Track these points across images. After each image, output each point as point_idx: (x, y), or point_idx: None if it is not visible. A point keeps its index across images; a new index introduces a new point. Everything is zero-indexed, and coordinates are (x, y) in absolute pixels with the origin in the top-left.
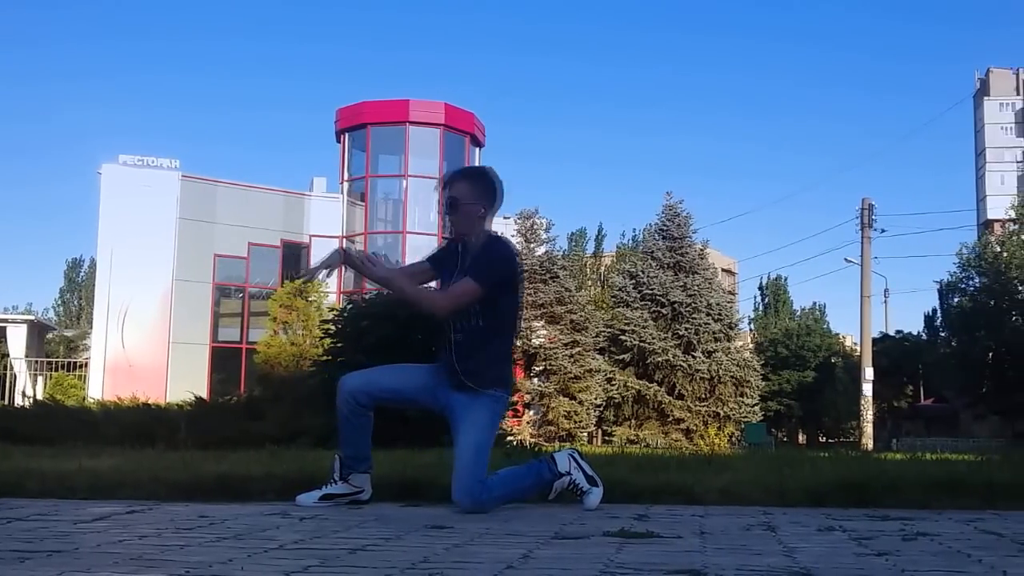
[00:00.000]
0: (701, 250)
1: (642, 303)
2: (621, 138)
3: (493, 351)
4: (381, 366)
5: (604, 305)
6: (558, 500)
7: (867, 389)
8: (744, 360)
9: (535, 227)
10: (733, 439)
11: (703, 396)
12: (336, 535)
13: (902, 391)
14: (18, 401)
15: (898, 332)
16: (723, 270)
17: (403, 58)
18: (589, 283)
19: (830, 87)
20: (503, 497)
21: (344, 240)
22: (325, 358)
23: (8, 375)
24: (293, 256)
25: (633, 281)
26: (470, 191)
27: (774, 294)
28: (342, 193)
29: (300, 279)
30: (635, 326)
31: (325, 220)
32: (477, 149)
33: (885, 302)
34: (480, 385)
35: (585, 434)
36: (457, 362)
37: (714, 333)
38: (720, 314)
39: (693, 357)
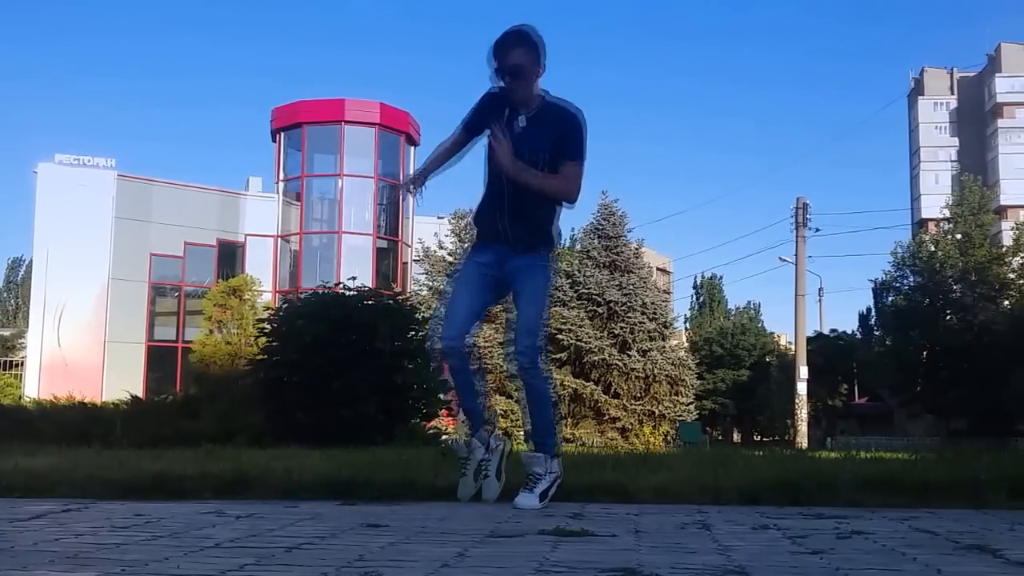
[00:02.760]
0: (636, 249)
1: (578, 302)
2: None
3: (548, 212)
4: (450, 300)
5: None
6: (477, 496)
7: (802, 388)
8: (679, 359)
9: (469, 227)
10: (668, 438)
11: (638, 395)
12: (272, 533)
13: (837, 390)
14: None
15: (833, 331)
16: (658, 269)
17: (338, 58)
18: None
19: (764, 86)
20: (545, 387)
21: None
22: (260, 357)
23: None
24: (228, 255)
25: (569, 280)
26: (527, 55)
27: (709, 293)
28: (278, 192)
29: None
30: (571, 325)
31: (260, 219)
32: (412, 148)
33: (820, 301)
34: (541, 245)
35: (522, 433)
36: (516, 227)
37: (649, 332)
38: (655, 313)
39: (628, 356)
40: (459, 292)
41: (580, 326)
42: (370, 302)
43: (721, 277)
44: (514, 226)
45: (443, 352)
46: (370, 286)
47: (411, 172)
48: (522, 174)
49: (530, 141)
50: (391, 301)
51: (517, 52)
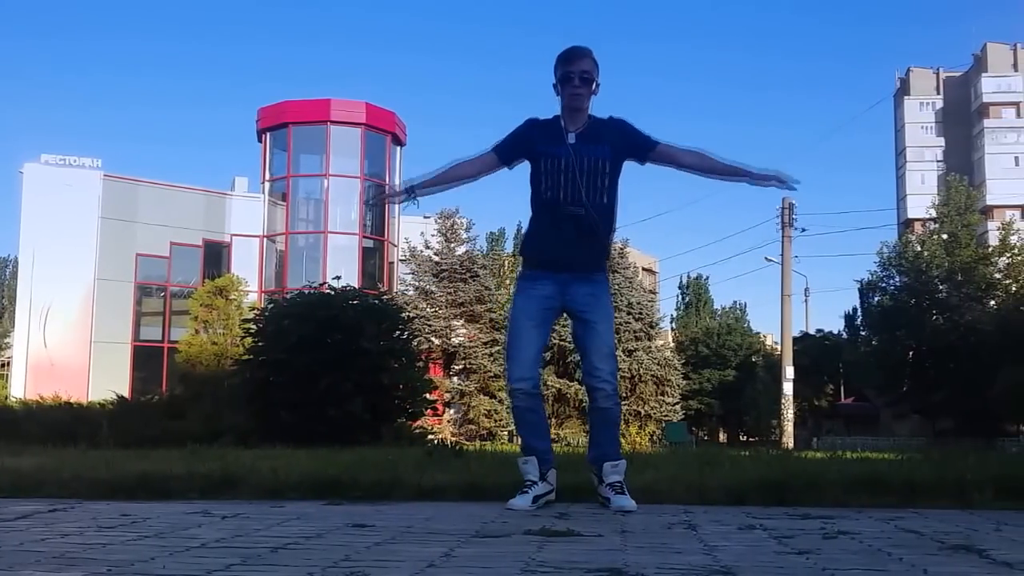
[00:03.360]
0: (621, 249)
1: None
2: None
3: (610, 228)
4: (515, 337)
5: None
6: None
7: (788, 388)
8: (665, 359)
9: (455, 227)
10: (654, 438)
11: (624, 395)
12: (258, 533)
13: (823, 390)
14: None
15: (819, 331)
16: (643, 269)
17: (325, 57)
18: (509, 282)
19: (750, 86)
20: (620, 408)
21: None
22: (246, 357)
23: None
24: (214, 255)
25: None
26: (594, 67)
27: (695, 293)
28: (263, 193)
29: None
30: (555, 325)
31: (246, 220)
32: (398, 148)
33: (806, 301)
34: (603, 265)
35: (506, 433)
36: (587, 252)
37: (635, 332)
38: (641, 313)
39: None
40: (524, 330)
41: (564, 326)
42: (355, 302)
43: (707, 277)
44: (585, 252)
45: (514, 394)
46: (355, 286)
47: (408, 178)
48: (751, 168)
49: (589, 152)
50: (376, 301)
51: (588, 61)
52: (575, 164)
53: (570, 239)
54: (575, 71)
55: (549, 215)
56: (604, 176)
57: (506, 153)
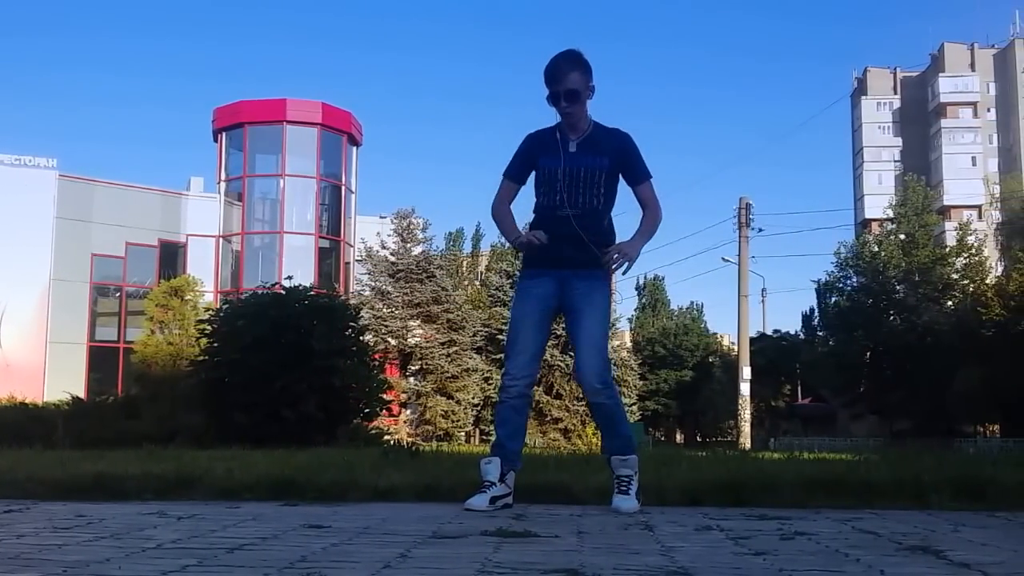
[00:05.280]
0: None
1: None
2: (498, 137)
3: (606, 229)
4: (514, 336)
5: (481, 304)
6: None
7: (744, 388)
8: (622, 359)
9: (411, 226)
10: None
11: (581, 395)
12: (214, 534)
13: (780, 390)
14: None
15: (776, 332)
16: None
17: (281, 56)
18: (466, 283)
19: (705, 86)
20: (617, 401)
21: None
22: (202, 358)
23: None
24: (170, 256)
25: (510, 281)
26: (581, 78)
27: (652, 293)
28: (219, 193)
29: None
30: None
31: (202, 220)
32: (354, 148)
33: (763, 301)
34: (597, 264)
35: (463, 434)
36: (582, 251)
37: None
38: None
39: (571, 356)
40: (523, 330)
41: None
42: (305, 302)
43: (664, 278)
44: (582, 250)
45: (505, 390)
46: (306, 285)
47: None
48: (641, 245)
49: (586, 162)
50: (325, 299)
51: (573, 77)
52: (571, 173)
53: (566, 239)
54: (560, 91)
55: (546, 219)
56: (599, 185)
57: (516, 175)
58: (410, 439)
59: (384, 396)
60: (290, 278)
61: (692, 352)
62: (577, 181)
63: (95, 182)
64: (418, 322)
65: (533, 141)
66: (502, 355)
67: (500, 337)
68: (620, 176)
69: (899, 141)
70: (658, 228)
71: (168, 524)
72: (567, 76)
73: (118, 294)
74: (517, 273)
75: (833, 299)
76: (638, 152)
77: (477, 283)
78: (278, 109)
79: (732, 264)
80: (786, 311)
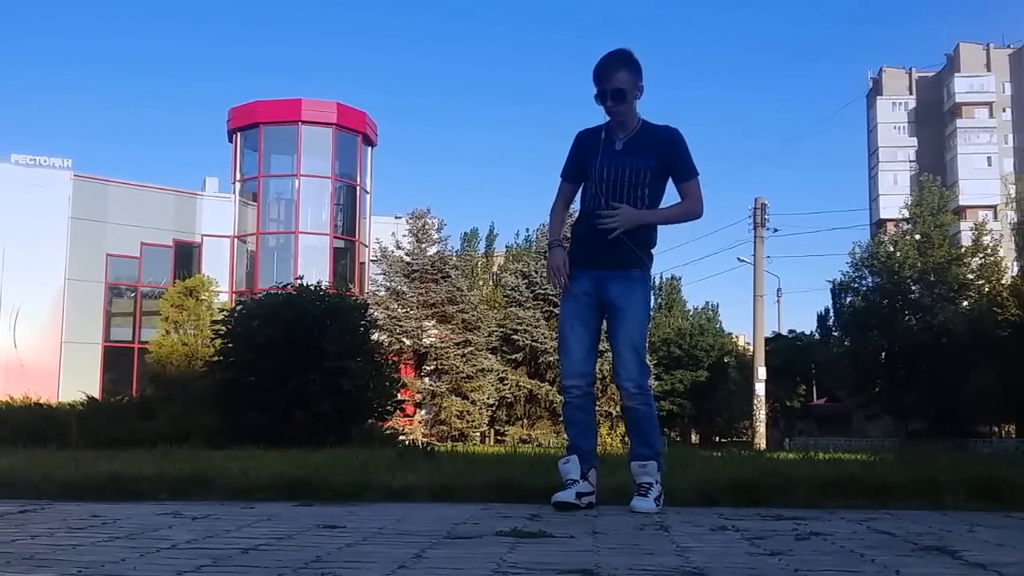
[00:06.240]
0: None
1: (534, 303)
2: (513, 138)
3: (648, 229)
4: (564, 338)
5: (496, 305)
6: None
7: (760, 389)
8: None
9: (427, 227)
10: (625, 439)
11: (596, 395)
12: (229, 535)
13: (795, 391)
14: None
15: (791, 332)
16: None
17: (296, 56)
18: (481, 283)
19: (722, 87)
20: (652, 409)
21: None
22: (216, 358)
23: None
24: (185, 256)
25: (525, 281)
26: (629, 78)
27: (667, 294)
28: (234, 193)
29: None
30: (527, 325)
31: (217, 220)
32: (369, 148)
33: (778, 302)
34: (640, 265)
35: (477, 434)
36: (619, 249)
37: (605, 333)
38: None
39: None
40: (572, 329)
41: (536, 326)
42: (318, 302)
43: (679, 278)
44: (619, 250)
45: (567, 391)
46: (319, 285)
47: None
48: (644, 219)
49: (632, 160)
50: (338, 299)
51: (620, 76)
52: (614, 172)
53: (603, 239)
54: (607, 90)
55: (587, 218)
56: (643, 186)
57: (569, 175)
58: (425, 439)
59: (398, 396)
60: (300, 278)
61: (707, 352)
62: (621, 181)
63: (110, 182)
64: (433, 322)
65: (580, 140)
66: (517, 355)
67: (515, 337)
68: (667, 177)
69: (914, 141)
70: (683, 220)
71: (183, 524)
72: (614, 75)
73: (133, 294)
74: (533, 273)
75: (848, 299)
76: (686, 149)
77: (492, 283)
78: (293, 109)
79: (747, 264)
80: (801, 311)
